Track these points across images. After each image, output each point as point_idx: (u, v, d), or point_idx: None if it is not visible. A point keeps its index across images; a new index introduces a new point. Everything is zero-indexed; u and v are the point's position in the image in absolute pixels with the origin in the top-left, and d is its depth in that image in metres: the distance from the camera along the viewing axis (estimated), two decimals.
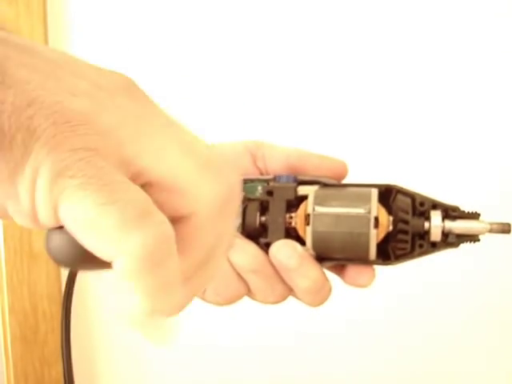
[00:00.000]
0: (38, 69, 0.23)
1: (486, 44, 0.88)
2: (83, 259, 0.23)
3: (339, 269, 0.43)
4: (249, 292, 0.42)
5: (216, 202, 0.25)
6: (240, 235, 0.41)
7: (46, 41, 0.93)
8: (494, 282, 0.91)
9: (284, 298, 0.42)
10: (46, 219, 0.22)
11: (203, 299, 0.43)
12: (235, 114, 0.93)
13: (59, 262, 0.23)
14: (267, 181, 0.43)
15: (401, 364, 0.96)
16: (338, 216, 0.39)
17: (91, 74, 0.25)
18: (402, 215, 0.40)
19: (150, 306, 0.23)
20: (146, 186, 0.24)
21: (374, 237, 0.39)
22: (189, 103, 0.91)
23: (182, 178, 0.24)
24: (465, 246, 0.41)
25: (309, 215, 0.40)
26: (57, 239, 0.23)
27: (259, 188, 0.43)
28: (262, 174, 0.45)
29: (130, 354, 0.99)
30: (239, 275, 0.41)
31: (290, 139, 0.49)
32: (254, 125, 0.92)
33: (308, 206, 0.40)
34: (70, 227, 0.22)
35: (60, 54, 0.25)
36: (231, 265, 0.41)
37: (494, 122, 0.89)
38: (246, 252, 0.41)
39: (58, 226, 0.23)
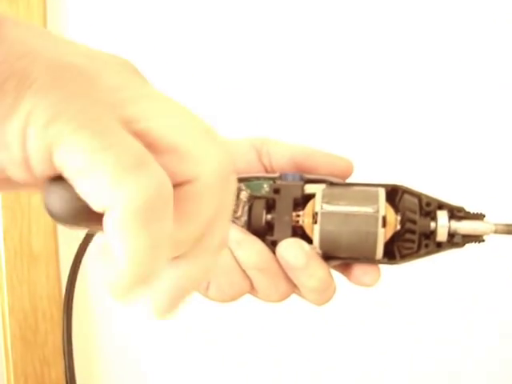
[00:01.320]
0: (37, 34, 0.23)
1: (486, 47, 0.89)
2: (82, 215, 0.22)
3: (344, 268, 0.43)
4: (251, 289, 0.42)
5: (219, 169, 0.24)
6: (247, 232, 0.41)
7: None
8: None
9: (286, 297, 0.42)
10: (40, 167, 0.21)
11: (206, 296, 0.42)
12: (241, 110, 0.93)
13: (56, 217, 0.22)
14: (273, 179, 0.43)
15: (401, 362, 0.96)
16: (346, 215, 0.39)
17: (88, 49, 0.25)
18: (409, 215, 0.40)
19: (136, 268, 0.21)
20: (148, 148, 0.23)
21: (382, 236, 0.39)
22: (194, 101, 0.91)
23: (185, 139, 0.24)
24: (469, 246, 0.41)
25: (317, 213, 0.40)
26: (55, 193, 0.22)
27: (265, 186, 0.43)
28: (266, 170, 0.45)
29: (129, 354, 0.99)
30: (244, 272, 0.41)
31: (296, 137, 0.49)
32: (259, 122, 0.92)
33: (316, 205, 0.40)
34: (66, 173, 0.21)
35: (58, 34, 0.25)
36: (236, 261, 0.40)
37: (499, 122, 0.89)
38: (252, 249, 0.40)
39: (52, 174, 0.22)
